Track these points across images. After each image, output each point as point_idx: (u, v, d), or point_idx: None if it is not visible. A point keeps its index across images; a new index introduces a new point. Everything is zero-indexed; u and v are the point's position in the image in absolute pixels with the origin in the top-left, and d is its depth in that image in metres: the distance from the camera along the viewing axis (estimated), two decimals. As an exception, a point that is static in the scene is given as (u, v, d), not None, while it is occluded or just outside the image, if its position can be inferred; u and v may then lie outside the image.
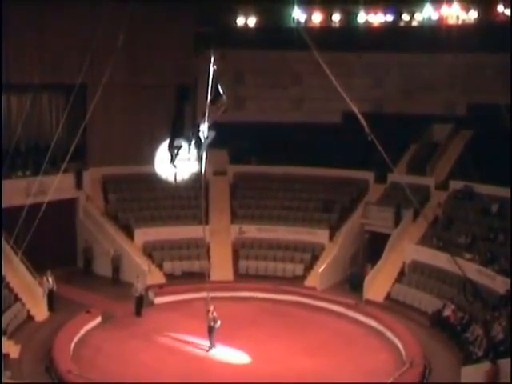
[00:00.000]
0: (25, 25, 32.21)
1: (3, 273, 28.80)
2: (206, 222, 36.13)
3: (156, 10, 34.63)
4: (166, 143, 17.95)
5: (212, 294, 30.84)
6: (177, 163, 17.95)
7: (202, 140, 17.56)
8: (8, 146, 31.08)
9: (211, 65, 17.66)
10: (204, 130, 17.50)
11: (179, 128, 17.96)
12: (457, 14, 33.29)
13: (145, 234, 35.22)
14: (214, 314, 25.63)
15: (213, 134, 17.72)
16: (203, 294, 30.06)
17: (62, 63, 32.63)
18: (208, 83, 17.55)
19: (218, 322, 25.63)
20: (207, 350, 25.79)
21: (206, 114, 17.53)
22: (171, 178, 18.24)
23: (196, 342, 26.27)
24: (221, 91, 17.74)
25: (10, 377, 22.43)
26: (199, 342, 26.21)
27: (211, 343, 25.81)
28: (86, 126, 27.31)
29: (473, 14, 32.86)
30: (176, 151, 17.80)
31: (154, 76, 36.15)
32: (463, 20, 33.38)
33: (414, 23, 35.10)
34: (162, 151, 18.21)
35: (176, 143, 17.80)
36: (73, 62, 30.07)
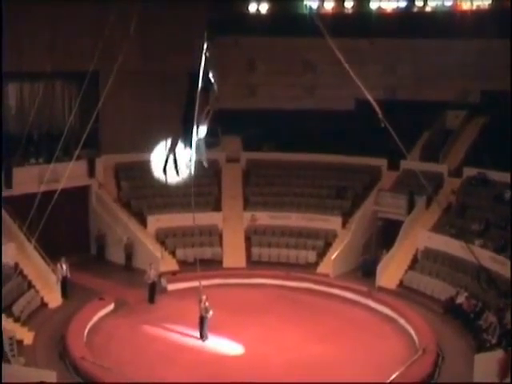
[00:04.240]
0: (37, 13, 32.21)
1: (17, 260, 29.02)
2: (219, 209, 36.34)
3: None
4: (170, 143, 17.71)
5: (225, 281, 31.21)
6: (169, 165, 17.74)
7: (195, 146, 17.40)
8: (21, 134, 31.12)
9: (203, 52, 17.43)
10: (198, 132, 17.31)
11: (190, 119, 17.69)
12: (471, 0, 33.06)
13: (157, 221, 35.28)
14: (207, 303, 25.47)
15: (203, 147, 17.54)
16: (216, 281, 30.39)
17: (75, 50, 32.60)
18: (199, 71, 17.33)
19: (210, 312, 25.46)
20: (203, 340, 25.69)
21: (197, 104, 17.30)
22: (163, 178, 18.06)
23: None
24: (212, 79, 17.53)
25: (24, 363, 22.59)
26: (211, 331, 26.19)
27: (204, 333, 25.67)
28: (99, 113, 27.30)
29: (487, 0, 32.59)
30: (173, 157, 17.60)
31: (165, 63, 36.06)
32: (477, 5, 33.14)
33: (428, 9, 34.87)
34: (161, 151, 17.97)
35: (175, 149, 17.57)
36: (85, 49, 30.00)
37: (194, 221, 25.71)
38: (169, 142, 17.62)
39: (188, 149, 17.52)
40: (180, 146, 17.57)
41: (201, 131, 17.56)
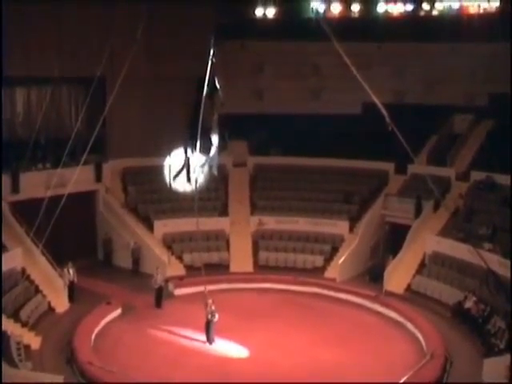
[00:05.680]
0: (44, 18, 32.27)
1: (24, 265, 29.04)
2: (226, 214, 36.32)
3: (175, 1, 34.53)
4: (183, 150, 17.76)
5: (232, 286, 31.16)
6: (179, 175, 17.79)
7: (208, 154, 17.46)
8: (28, 139, 31.17)
9: (210, 58, 17.47)
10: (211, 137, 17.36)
11: (198, 124, 17.68)
12: (478, 3, 32.96)
13: (164, 226, 35.25)
14: (213, 307, 25.48)
15: (216, 155, 17.56)
16: (223, 286, 30.36)
17: (82, 56, 32.61)
18: (206, 77, 17.38)
19: (216, 316, 25.48)
20: (209, 344, 25.63)
21: (201, 110, 17.29)
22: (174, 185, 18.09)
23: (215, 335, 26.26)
24: (217, 85, 17.55)
25: (31, 368, 22.58)
26: (218, 335, 26.16)
27: (210, 337, 25.65)
28: (106, 118, 27.32)
29: (494, 3, 32.50)
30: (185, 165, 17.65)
31: (172, 68, 36.03)
32: (484, 9, 33.03)
33: (435, 12, 34.77)
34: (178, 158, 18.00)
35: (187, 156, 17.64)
36: (92, 54, 30.06)
37: (198, 225, 25.61)
38: (182, 150, 17.69)
39: (198, 155, 17.58)
40: (191, 153, 17.63)
41: (213, 139, 17.60)
